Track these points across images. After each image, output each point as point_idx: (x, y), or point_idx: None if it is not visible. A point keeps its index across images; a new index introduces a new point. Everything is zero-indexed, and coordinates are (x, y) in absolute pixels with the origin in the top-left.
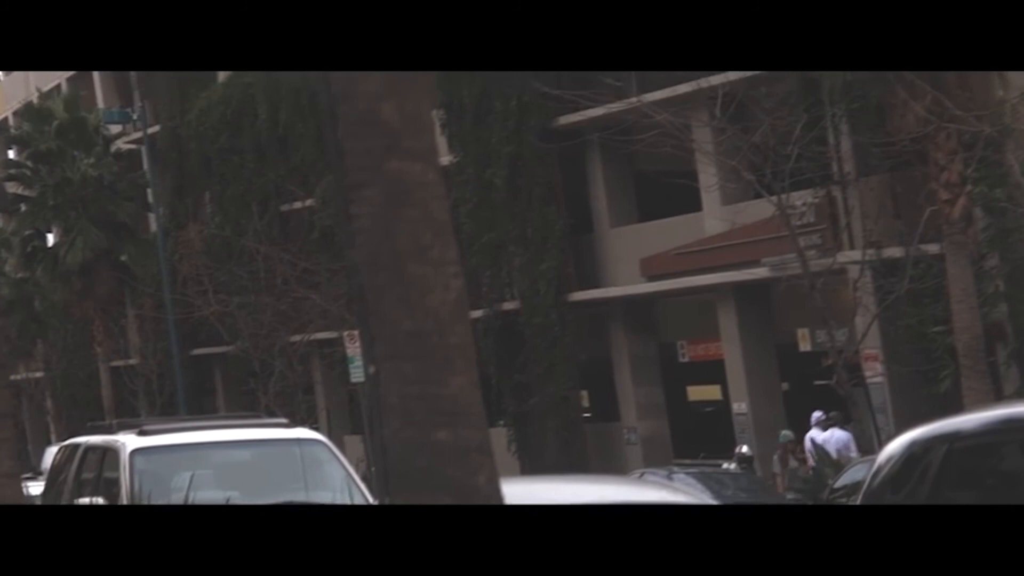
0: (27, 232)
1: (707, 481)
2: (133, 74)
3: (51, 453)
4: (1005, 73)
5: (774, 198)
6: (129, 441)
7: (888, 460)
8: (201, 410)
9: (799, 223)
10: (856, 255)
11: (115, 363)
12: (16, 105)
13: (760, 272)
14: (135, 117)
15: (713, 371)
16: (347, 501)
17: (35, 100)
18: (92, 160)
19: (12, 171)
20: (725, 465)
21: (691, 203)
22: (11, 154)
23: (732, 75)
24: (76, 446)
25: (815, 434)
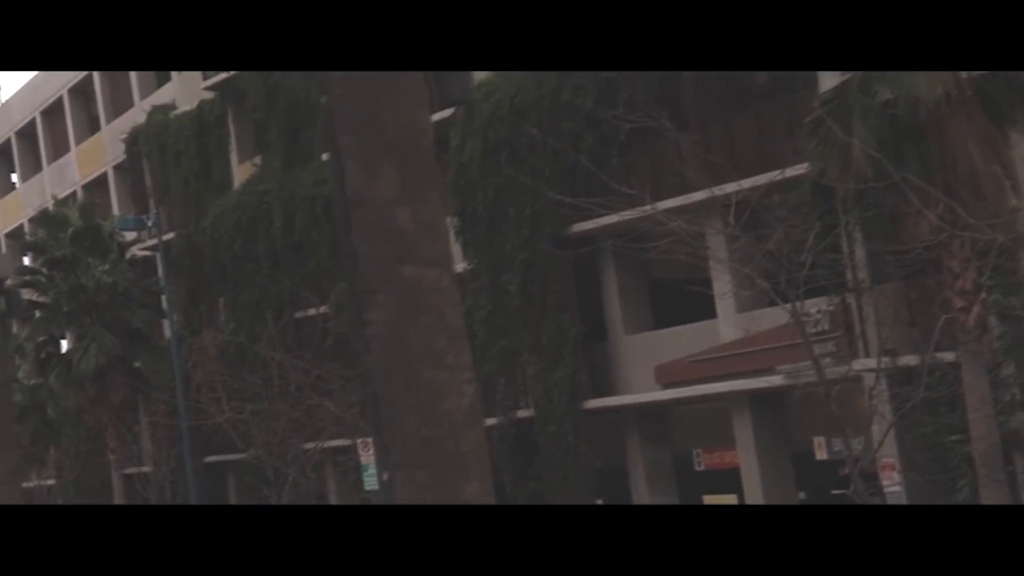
0: (41, 338)
1: None
2: (149, 182)
3: None
4: (1018, 181)
5: (788, 306)
6: None
7: None
8: None
9: (814, 331)
10: (871, 363)
11: (128, 470)
12: (32, 212)
13: (775, 380)
14: (150, 224)
15: (729, 480)
16: None
17: (51, 207)
18: (107, 267)
19: (27, 278)
20: None
21: (705, 311)
22: (26, 261)
23: (746, 183)
24: None
25: None
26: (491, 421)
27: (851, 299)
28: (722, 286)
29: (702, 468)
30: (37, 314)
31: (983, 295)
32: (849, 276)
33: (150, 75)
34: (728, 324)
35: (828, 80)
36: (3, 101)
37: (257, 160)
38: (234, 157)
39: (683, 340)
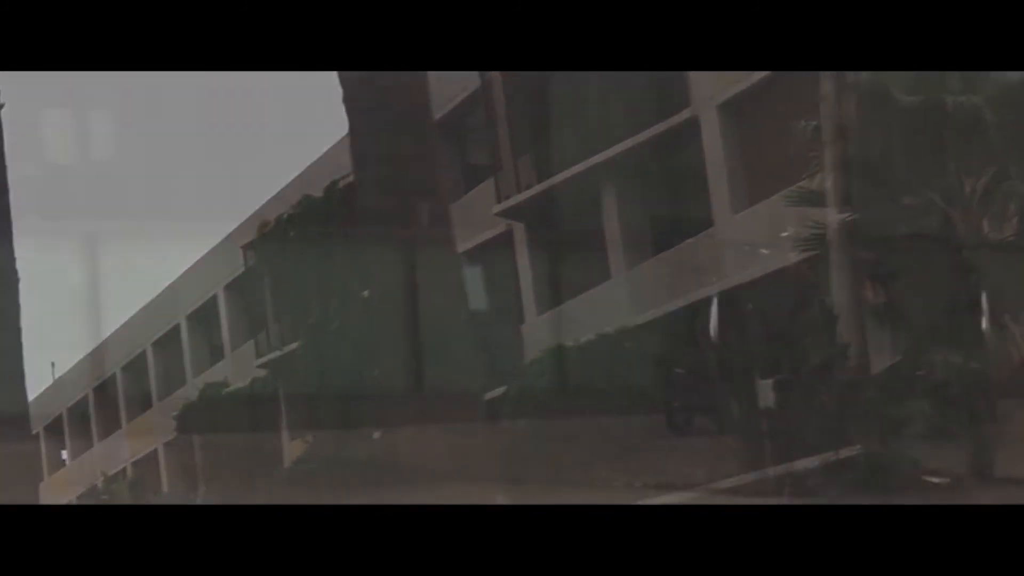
0: None
1: None
2: (199, 458)
3: None
4: None
5: None
6: None
7: None
8: None
9: None
10: None
11: None
12: (81, 490)
13: None
14: (199, 502)
15: None
16: None
17: (100, 484)
18: None
19: None
20: None
21: None
22: None
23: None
24: None
25: None
26: None
27: None
28: None
29: None
30: None
31: None
32: None
33: (204, 353)
34: None
35: None
36: (56, 377)
37: (309, 438)
38: (285, 435)
39: None
